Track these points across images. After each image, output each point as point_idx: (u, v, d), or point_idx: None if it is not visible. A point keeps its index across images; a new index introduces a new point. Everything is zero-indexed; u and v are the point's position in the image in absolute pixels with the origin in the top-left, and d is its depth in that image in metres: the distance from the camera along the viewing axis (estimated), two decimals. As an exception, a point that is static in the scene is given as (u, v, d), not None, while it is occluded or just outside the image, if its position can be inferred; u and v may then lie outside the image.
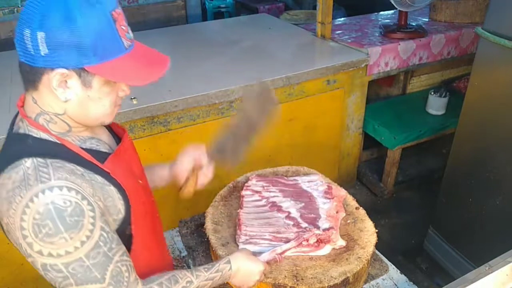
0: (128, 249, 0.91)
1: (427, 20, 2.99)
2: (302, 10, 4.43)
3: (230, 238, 1.28)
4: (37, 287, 1.90)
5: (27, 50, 0.74)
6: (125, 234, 0.90)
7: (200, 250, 1.37)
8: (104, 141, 0.93)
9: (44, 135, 0.82)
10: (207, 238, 1.28)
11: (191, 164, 1.16)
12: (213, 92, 1.96)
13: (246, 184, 1.46)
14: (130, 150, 1.00)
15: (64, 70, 0.75)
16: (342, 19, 3.24)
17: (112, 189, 0.85)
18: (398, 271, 1.31)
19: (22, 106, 0.85)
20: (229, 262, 1.03)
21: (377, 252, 1.36)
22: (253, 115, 1.21)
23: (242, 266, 1.05)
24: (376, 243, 1.24)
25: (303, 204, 1.37)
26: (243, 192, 1.42)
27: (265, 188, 1.44)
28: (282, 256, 1.19)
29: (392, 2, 2.46)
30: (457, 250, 2.11)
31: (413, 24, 2.75)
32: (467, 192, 1.98)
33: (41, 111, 0.82)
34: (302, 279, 1.12)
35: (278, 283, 1.11)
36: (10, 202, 0.74)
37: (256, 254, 1.21)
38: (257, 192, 1.43)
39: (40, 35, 0.72)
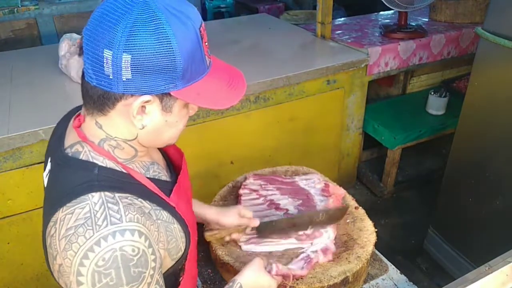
0: (177, 281, 0.88)
1: (427, 20, 2.99)
2: (302, 10, 4.43)
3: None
4: (37, 287, 1.90)
5: (104, 73, 0.65)
6: (176, 270, 0.84)
7: (200, 250, 1.37)
8: (161, 166, 0.86)
9: (110, 164, 0.73)
10: (207, 227, 1.28)
11: (239, 223, 1.18)
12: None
13: (243, 183, 1.46)
14: (185, 174, 0.91)
15: (148, 97, 0.67)
16: (342, 19, 3.23)
17: (176, 227, 0.79)
18: (398, 271, 1.31)
19: (79, 127, 0.76)
20: (240, 286, 0.96)
21: (376, 252, 1.36)
22: (318, 222, 1.26)
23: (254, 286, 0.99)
24: (376, 242, 1.25)
25: (300, 201, 1.37)
26: (241, 191, 1.43)
27: (263, 186, 1.45)
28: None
29: (385, 3, 2.46)
30: (457, 250, 2.11)
31: (413, 24, 2.75)
32: (467, 192, 1.98)
33: (106, 137, 0.73)
34: (301, 278, 1.12)
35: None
36: (71, 242, 0.64)
37: (256, 254, 1.22)
38: (254, 190, 1.43)
39: (126, 58, 0.63)
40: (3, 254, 1.77)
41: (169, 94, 0.69)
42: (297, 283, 1.11)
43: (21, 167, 1.67)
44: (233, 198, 1.45)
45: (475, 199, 1.95)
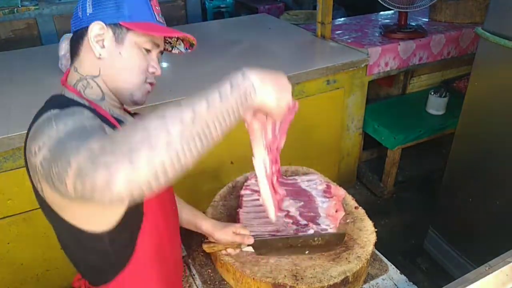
0: (138, 225, 0.92)
1: (427, 20, 2.99)
2: (302, 10, 4.43)
3: (230, 238, 1.28)
4: (37, 287, 1.90)
5: (78, 17, 0.88)
6: (137, 210, 0.90)
7: (200, 250, 1.37)
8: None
9: (77, 98, 0.88)
10: (207, 238, 1.28)
11: (234, 240, 1.20)
12: (213, 92, 1.96)
13: (245, 184, 1.46)
14: None
15: (100, 23, 0.86)
16: (342, 19, 3.23)
17: None
18: (398, 271, 1.31)
19: (65, 80, 0.94)
20: (243, 73, 0.73)
21: (376, 252, 1.36)
22: (314, 245, 1.22)
23: (261, 73, 0.74)
24: (376, 242, 1.25)
25: (302, 203, 1.37)
26: (242, 192, 1.42)
27: (265, 188, 1.44)
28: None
29: (383, 3, 2.47)
30: (457, 250, 2.11)
31: (413, 24, 2.75)
32: (467, 192, 1.98)
33: (80, 78, 0.90)
34: (301, 278, 1.12)
35: (278, 282, 1.11)
36: (33, 134, 0.75)
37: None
38: (256, 191, 1.43)
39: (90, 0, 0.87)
40: (3, 254, 1.77)
41: (120, 26, 0.87)
42: (297, 283, 1.11)
43: (21, 167, 1.67)
44: (233, 198, 1.45)
45: (475, 199, 1.95)
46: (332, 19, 2.65)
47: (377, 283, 1.26)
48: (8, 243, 1.75)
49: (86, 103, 0.87)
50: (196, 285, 1.25)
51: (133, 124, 0.60)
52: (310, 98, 2.29)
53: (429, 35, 2.64)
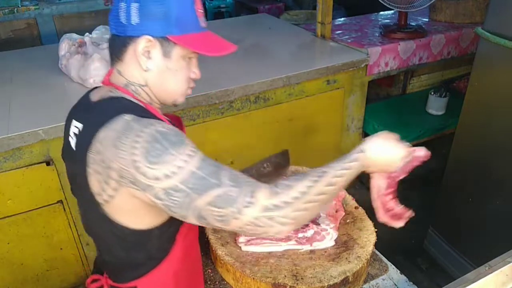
0: (167, 250, 0.96)
1: (427, 20, 2.99)
2: (302, 10, 4.43)
3: (229, 238, 1.28)
4: (37, 287, 1.90)
5: (120, 21, 0.86)
6: (169, 231, 0.95)
7: (200, 250, 1.37)
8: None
9: (135, 100, 0.90)
10: (207, 238, 1.28)
11: None
12: (213, 92, 1.96)
13: (246, 184, 1.46)
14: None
15: (149, 37, 0.85)
16: (342, 19, 3.23)
17: None
18: (398, 271, 1.31)
19: (108, 80, 0.94)
20: (362, 151, 0.97)
21: (376, 252, 1.36)
22: (265, 173, 1.31)
23: (380, 152, 1.01)
24: (376, 242, 1.25)
25: (303, 204, 1.37)
26: (243, 192, 1.42)
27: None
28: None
29: (383, 3, 2.47)
30: (457, 250, 2.11)
31: (413, 24, 2.75)
32: (467, 192, 1.98)
33: (127, 82, 0.91)
34: (302, 278, 1.12)
35: (278, 282, 1.11)
36: (118, 147, 0.78)
37: (256, 254, 1.22)
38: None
39: (134, 6, 0.84)
40: (3, 254, 1.77)
41: (167, 39, 0.87)
42: (297, 283, 1.11)
43: (21, 167, 1.67)
44: (233, 198, 1.45)
45: (475, 199, 1.95)
46: (332, 19, 2.65)
47: (377, 283, 1.27)
48: (8, 243, 1.75)
49: (143, 105, 0.90)
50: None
51: (300, 186, 0.81)
52: (310, 98, 2.29)
53: (429, 35, 2.64)
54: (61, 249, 1.87)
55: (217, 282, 1.25)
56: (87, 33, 2.11)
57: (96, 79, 1.94)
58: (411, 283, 1.28)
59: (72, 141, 0.91)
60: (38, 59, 2.36)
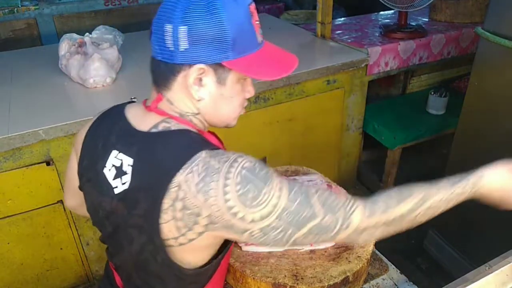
0: (228, 246, 0.93)
1: (427, 20, 2.99)
2: (302, 10, 4.43)
3: (230, 238, 1.28)
4: (37, 287, 1.90)
5: (166, 46, 0.75)
6: (212, 266, 0.89)
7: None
8: None
9: (196, 131, 0.83)
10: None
11: None
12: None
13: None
14: None
15: (202, 65, 0.76)
16: (342, 19, 3.23)
17: None
18: (398, 271, 1.31)
19: (156, 107, 0.84)
20: (482, 176, 0.91)
21: (377, 251, 1.36)
22: None
23: (501, 184, 0.93)
24: (376, 242, 1.25)
25: (303, 204, 1.37)
26: (243, 192, 1.42)
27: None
28: None
29: (384, 3, 2.48)
30: (457, 250, 2.11)
31: (413, 24, 2.75)
32: (467, 192, 1.98)
33: (180, 112, 0.83)
34: (302, 278, 1.12)
35: (278, 282, 1.11)
36: (206, 192, 0.72)
37: (256, 254, 1.22)
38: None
39: (182, 29, 0.72)
40: (3, 254, 1.77)
41: (222, 65, 0.77)
42: (297, 283, 1.11)
43: (21, 167, 1.67)
44: (233, 198, 1.45)
45: (475, 199, 1.95)
46: (332, 19, 2.65)
47: (377, 283, 1.27)
48: (8, 243, 1.75)
49: (203, 136, 0.84)
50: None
51: (399, 210, 0.81)
52: (310, 98, 2.29)
53: (429, 35, 2.64)
54: (61, 249, 1.87)
55: (217, 282, 1.25)
56: (87, 33, 2.11)
57: (96, 79, 1.94)
58: (411, 283, 1.28)
59: (111, 174, 0.83)
60: (38, 59, 2.36)
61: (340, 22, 3.09)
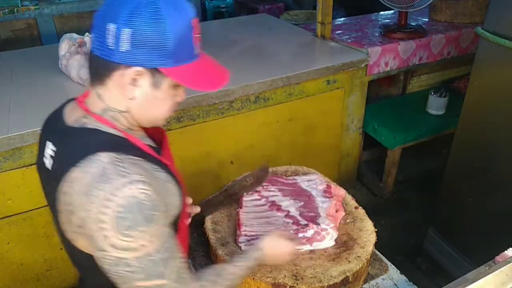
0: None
1: (427, 20, 2.99)
2: (302, 10, 4.43)
3: (230, 238, 1.29)
4: (37, 287, 1.90)
5: (106, 44, 0.76)
6: (172, 227, 0.91)
7: (200, 250, 1.37)
8: (149, 140, 0.96)
9: (111, 130, 0.83)
10: (207, 238, 1.28)
11: None
12: (213, 92, 1.96)
13: (246, 184, 1.46)
14: (169, 149, 1.02)
15: (140, 69, 0.77)
16: (342, 19, 3.23)
17: (171, 186, 0.88)
18: (398, 271, 1.31)
19: (83, 102, 0.87)
20: (261, 249, 1.05)
21: (376, 252, 1.36)
22: (247, 185, 1.42)
23: (273, 251, 1.07)
24: (376, 242, 1.25)
25: (302, 203, 1.37)
26: (243, 192, 1.43)
27: (264, 187, 1.44)
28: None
29: (384, 3, 2.48)
30: (457, 250, 2.11)
31: (413, 24, 2.75)
32: (467, 192, 1.98)
33: (106, 107, 0.83)
34: (302, 278, 1.12)
35: (278, 282, 1.11)
36: (89, 196, 0.74)
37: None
38: (256, 191, 1.43)
39: (126, 31, 0.74)
40: (3, 254, 1.77)
41: (159, 71, 0.79)
42: (297, 283, 1.11)
43: (21, 167, 1.67)
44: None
45: (475, 199, 1.95)
46: (332, 19, 2.65)
47: (377, 283, 1.27)
48: (8, 243, 1.75)
49: (122, 135, 0.84)
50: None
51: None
52: (310, 98, 2.29)
53: (429, 35, 2.64)
54: (61, 249, 1.87)
55: (217, 282, 1.25)
56: (87, 33, 2.11)
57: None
58: (411, 283, 1.28)
59: (47, 162, 0.87)
60: (38, 59, 2.36)
61: (340, 22, 3.09)
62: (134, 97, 0.81)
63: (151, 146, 0.90)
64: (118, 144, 0.81)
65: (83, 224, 0.77)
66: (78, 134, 0.82)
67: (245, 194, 1.41)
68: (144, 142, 0.88)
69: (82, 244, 0.84)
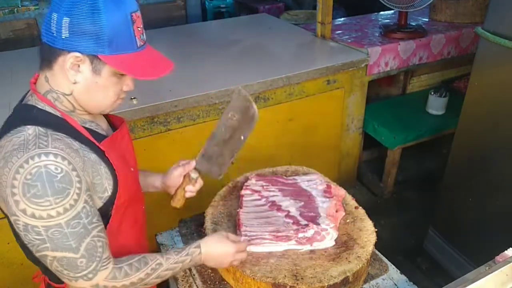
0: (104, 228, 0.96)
1: (427, 20, 2.99)
2: (302, 10, 4.43)
3: (230, 238, 1.28)
4: (37, 287, 1.90)
5: (51, 31, 0.84)
6: (104, 215, 0.95)
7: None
8: (102, 127, 1.01)
9: (49, 109, 0.89)
10: (203, 230, 1.28)
11: (181, 176, 1.22)
12: (213, 92, 1.96)
13: (245, 184, 1.46)
14: (126, 138, 1.07)
15: (78, 54, 0.84)
16: (342, 19, 3.24)
17: (102, 168, 0.92)
18: (398, 271, 1.31)
19: (35, 83, 0.94)
20: (199, 246, 1.06)
21: (377, 252, 1.36)
22: (235, 123, 1.25)
23: (212, 250, 1.07)
24: (376, 242, 1.25)
25: (302, 203, 1.37)
26: (243, 192, 1.42)
27: (265, 187, 1.44)
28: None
29: (384, 3, 2.48)
30: (457, 250, 2.11)
31: (413, 24, 2.75)
32: (467, 192, 1.98)
33: (50, 89, 0.90)
34: (302, 278, 1.12)
35: (278, 282, 1.11)
36: (7, 161, 0.80)
37: (256, 254, 1.22)
38: (256, 191, 1.43)
39: (65, 20, 0.81)
40: (3, 254, 1.77)
41: (97, 57, 0.85)
42: (297, 283, 1.11)
43: (21, 167, 1.66)
44: (233, 198, 1.45)
45: (475, 199, 1.95)
46: (332, 19, 2.66)
47: (377, 283, 1.27)
48: (8, 243, 1.75)
49: (58, 114, 0.89)
50: (196, 285, 1.25)
51: (137, 277, 0.95)
52: (310, 98, 2.29)
53: (429, 35, 2.64)
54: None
55: (217, 282, 1.25)
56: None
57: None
58: (411, 283, 1.28)
59: None
60: (38, 59, 2.36)
61: (340, 22, 3.09)
62: (76, 81, 0.88)
63: (94, 131, 0.95)
64: (49, 121, 0.87)
65: (2, 188, 0.82)
66: (19, 109, 0.93)
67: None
68: (86, 125, 0.94)
69: (4, 208, 0.88)
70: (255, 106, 1.25)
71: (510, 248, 1.00)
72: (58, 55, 0.86)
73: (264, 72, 2.15)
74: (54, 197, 0.80)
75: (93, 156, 0.90)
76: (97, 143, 0.92)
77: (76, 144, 0.87)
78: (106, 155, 0.93)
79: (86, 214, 0.86)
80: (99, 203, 0.93)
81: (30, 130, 0.83)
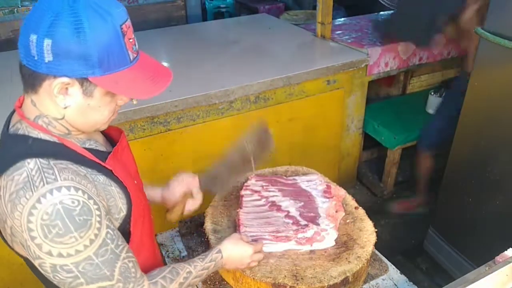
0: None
1: (427, 20, 2.99)
2: (302, 10, 4.43)
3: (230, 238, 1.28)
4: (37, 287, 1.90)
5: (31, 54, 0.73)
6: (124, 233, 0.90)
7: (200, 250, 1.38)
8: (100, 143, 0.94)
9: (44, 136, 0.81)
10: (207, 238, 1.28)
11: (182, 190, 1.19)
12: (213, 92, 1.96)
13: (245, 184, 1.46)
14: (126, 150, 1.01)
15: (66, 79, 0.74)
16: (342, 19, 3.23)
17: (113, 189, 0.87)
18: (398, 271, 1.31)
19: (20, 107, 0.85)
20: (220, 251, 1.07)
21: (376, 252, 1.36)
22: (249, 152, 1.25)
23: (232, 253, 1.09)
24: (376, 242, 1.25)
25: (302, 203, 1.37)
26: (242, 192, 1.42)
27: (264, 187, 1.44)
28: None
29: (382, 1, 2.48)
30: (457, 250, 2.11)
31: (413, 24, 2.75)
32: (467, 192, 1.98)
33: (40, 114, 0.81)
34: (302, 278, 1.12)
35: (278, 282, 1.11)
36: (15, 204, 0.73)
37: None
38: (256, 191, 1.43)
39: (47, 42, 0.71)
40: (3, 254, 1.76)
41: (88, 79, 0.76)
42: (297, 283, 1.11)
43: (21, 167, 1.66)
44: (233, 198, 1.45)
45: (475, 199, 1.95)
46: (332, 19, 2.65)
47: (377, 283, 1.27)
48: (8, 243, 1.75)
49: (56, 140, 0.82)
50: (196, 285, 1.25)
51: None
52: (310, 98, 2.29)
53: (429, 35, 2.64)
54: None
55: (217, 282, 1.25)
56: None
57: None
58: (411, 283, 1.28)
59: None
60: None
61: (340, 22, 3.09)
62: (67, 106, 0.79)
63: (95, 150, 0.88)
64: (48, 150, 0.79)
65: (14, 232, 0.77)
66: (10, 140, 0.82)
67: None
68: (86, 146, 0.87)
69: (23, 252, 0.84)
70: (273, 140, 1.29)
71: (510, 248, 1.00)
72: (42, 79, 0.76)
73: (264, 72, 2.15)
74: (78, 232, 0.74)
75: (102, 178, 0.84)
76: (102, 163, 0.86)
77: (82, 170, 0.81)
78: (115, 174, 0.87)
79: (111, 239, 0.81)
80: (116, 224, 0.89)
81: (31, 165, 0.75)
